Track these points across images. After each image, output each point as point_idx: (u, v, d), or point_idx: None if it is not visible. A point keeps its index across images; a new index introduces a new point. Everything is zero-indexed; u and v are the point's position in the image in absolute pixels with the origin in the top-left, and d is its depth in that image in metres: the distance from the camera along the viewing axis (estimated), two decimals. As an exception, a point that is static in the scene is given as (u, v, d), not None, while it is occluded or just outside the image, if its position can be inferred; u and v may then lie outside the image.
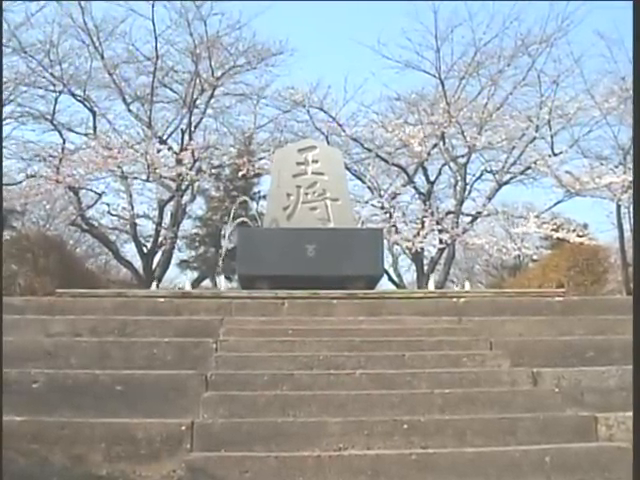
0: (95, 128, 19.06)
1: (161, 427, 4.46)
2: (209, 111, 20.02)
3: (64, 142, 19.03)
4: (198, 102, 19.43)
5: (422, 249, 18.48)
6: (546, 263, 14.82)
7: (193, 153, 18.22)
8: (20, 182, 18.25)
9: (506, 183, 19.36)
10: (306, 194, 9.74)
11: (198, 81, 19.01)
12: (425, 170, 19.51)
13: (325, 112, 19.20)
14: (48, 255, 11.68)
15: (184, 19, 18.71)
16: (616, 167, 17.97)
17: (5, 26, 16.60)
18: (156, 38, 18.63)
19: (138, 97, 19.28)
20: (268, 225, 9.75)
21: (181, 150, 18.57)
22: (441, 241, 17.98)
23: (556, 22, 18.51)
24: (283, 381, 5.14)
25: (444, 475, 4.25)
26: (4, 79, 16.77)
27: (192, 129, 19.37)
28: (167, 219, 19.76)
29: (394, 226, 17.80)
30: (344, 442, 4.48)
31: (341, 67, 39.64)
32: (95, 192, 19.59)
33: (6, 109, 18.10)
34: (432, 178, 19.60)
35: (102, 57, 18.54)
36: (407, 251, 19.15)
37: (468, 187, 19.40)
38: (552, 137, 18.60)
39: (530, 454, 4.38)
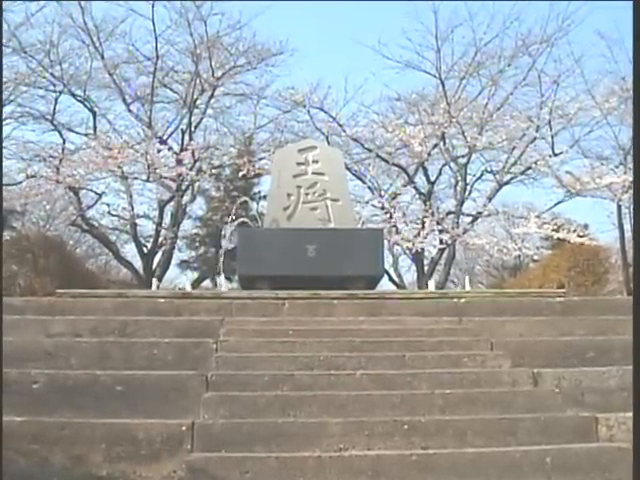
0: (95, 128, 19.06)
1: (161, 427, 4.46)
2: (209, 111, 20.04)
3: (64, 142, 19.04)
4: (198, 102, 19.42)
5: (422, 249, 18.48)
6: (547, 263, 14.83)
7: (193, 153, 18.21)
8: (20, 182, 18.21)
9: (506, 183, 19.36)
10: (306, 194, 9.74)
11: (198, 81, 19.00)
12: (425, 170, 19.51)
13: (325, 112, 19.22)
14: (48, 255, 11.69)
15: (184, 19, 18.74)
16: (617, 167, 17.98)
17: (5, 26, 16.61)
18: (156, 38, 18.67)
19: (138, 97, 19.27)
20: (268, 225, 9.75)
21: (181, 150, 18.58)
22: (441, 241, 17.98)
23: (557, 22, 18.55)
24: (284, 381, 5.14)
25: (445, 476, 4.25)
26: (4, 79, 16.76)
27: (192, 129, 19.38)
28: (167, 219, 19.75)
29: (394, 226, 17.78)
30: (345, 443, 4.48)
31: (341, 67, 39.76)
32: (95, 192, 19.59)
33: (6, 109, 18.10)
34: (432, 178, 19.60)
35: (102, 57, 18.54)
36: (407, 251, 19.13)
37: (468, 187, 19.41)
38: (553, 137, 18.59)
39: (531, 455, 4.38)
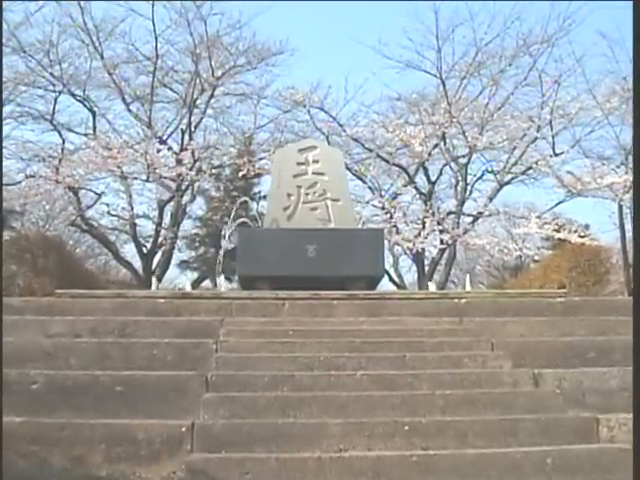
0: (95, 128, 19.05)
1: (161, 428, 4.45)
2: (209, 111, 20.03)
3: (63, 142, 19.04)
4: (198, 102, 19.41)
5: (423, 250, 18.47)
6: (547, 264, 14.80)
7: (193, 153, 18.20)
8: (19, 182, 18.21)
9: (507, 183, 19.35)
10: (307, 194, 9.73)
11: (198, 81, 18.99)
12: (426, 170, 19.49)
13: (326, 112, 19.21)
14: (47, 255, 11.66)
15: (184, 19, 18.71)
16: (618, 167, 17.95)
17: (4, 26, 16.58)
18: (156, 38, 18.65)
19: (138, 97, 19.26)
20: (268, 225, 9.74)
21: (181, 150, 18.56)
22: (442, 241, 17.96)
23: (558, 22, 18.49)
24: (284, 382, 5.13)
25: (445, 477, 4.24)
26: (3, 79, 16.75)
27: (192, 129, 19.36)
28: (167, 219, 19.74)
29: (395, 226, 17.78)
30: (345, 443, 4.47)
31: (342, 67, 39.75)
32: (95, 192, 19.60)
33: (5, 109, 18.07)
34: (433, 178, 19.58)
35: (102, 57, 18.53)
36: (408, 252, 19.12)
37: (469, 187, 19.39)
38: (553, 137, 18.56)
39: (531, 455, 4.36)
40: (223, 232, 12.84)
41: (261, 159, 19.40)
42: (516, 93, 18.85)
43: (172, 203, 19.55)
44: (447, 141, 18.85)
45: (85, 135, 19.31)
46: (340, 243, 9.01)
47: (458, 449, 4.46)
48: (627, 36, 17.70)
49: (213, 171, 19.37)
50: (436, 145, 18.55)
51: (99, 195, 19.56)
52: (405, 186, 19.62)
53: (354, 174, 18.91)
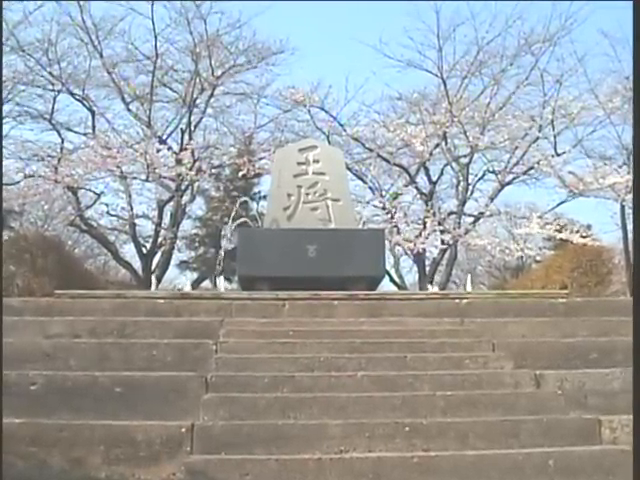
0: (94, 127, 19.01)
1: (161, 429, 4.43)
2: (209, 110, 19.99)
3: (63, 142, 19.01)
4: (198, 101, 19.39)
5: (424, 250, 18.43)
6: (549, 264, 14.76)
7: (193, 153, 18.17)
8: (18, 182, 18.13)
9: (509, 183, 19.31)
10: (307, 194, 9.71)
11: (198, 80, 18.96)
12: (427, 170, 19.46)
13: (326, 112, 19.18)
14: (46, 256, 11.63)
15: (184, 18, 18.68)
16: (620, 167, 17.90)
17: (3, 25, 16.56)
18: (155, 37, 18.62)
19: (137, 96, 19.23)
20: (268, 225, 9.72)
21: (181, 150, 18.53)
22: (443, 242, 17.94)
23: (559, 21, 18.48)
24: (284, 383, 5.11)
25: (446, 478, 4.22)
26: (2, 78, 16.72)
27: (192, 129, 19.32)
28: (167, 219, 19.70)
29: (396, 227, 17.75)
30: (345, 444, 4.45)
31: (342, 66, 39.63)
32: (94, 192, 19.56)
33: (4, 108, 18.00)
34: (434, 178, 19.54)
35: (101, 56, 18.50)
36: (409, 252, 19.08)
37: (470, 187, 19.35)
38: (555, 137, 18.54)
39: (533, 457, 4.34)
40: (223, 232, 12.83)
41: (261, 159, 19.35)
42: (518, 93, 18.83)
43: (172, 203, 19.52)
44: (448, 141, 18.82)
45: (84, 134, 19.29)
46: (340, 243, 8.99)
47: (459, 450, 4.44)
48: (629, 35, 17.64)
49: (213, 171, 19.35)
50: (437, 145, 18.52)
51: (98, 195, 19.55)
52: (406, 186, 19.58)
53: (355, 174, 18.89)
